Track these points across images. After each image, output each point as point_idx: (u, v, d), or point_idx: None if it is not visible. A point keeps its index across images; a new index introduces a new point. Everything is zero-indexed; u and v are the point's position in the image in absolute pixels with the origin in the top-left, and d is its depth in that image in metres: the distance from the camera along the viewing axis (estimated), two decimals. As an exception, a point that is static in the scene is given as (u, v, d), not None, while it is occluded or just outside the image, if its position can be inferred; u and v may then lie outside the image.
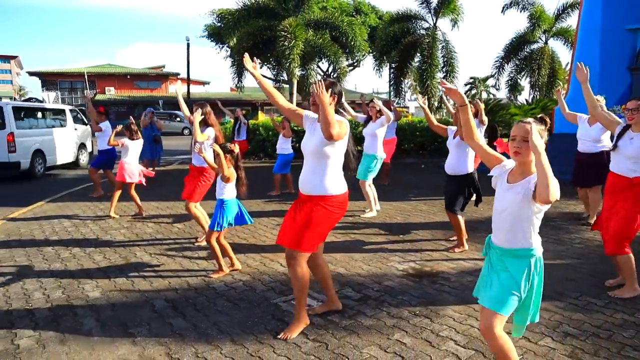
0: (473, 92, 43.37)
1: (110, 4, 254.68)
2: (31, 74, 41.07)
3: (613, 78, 10.66)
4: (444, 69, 16.36)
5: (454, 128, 5.04)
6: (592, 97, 4.01)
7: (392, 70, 17.02)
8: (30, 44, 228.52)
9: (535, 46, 18.52)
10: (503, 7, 18.72)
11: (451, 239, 5.35)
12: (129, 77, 42.14)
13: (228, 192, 4.34)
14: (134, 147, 7.03)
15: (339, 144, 3.14)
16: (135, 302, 3.80)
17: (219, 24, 15.82)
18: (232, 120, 10.62)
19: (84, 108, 41.42)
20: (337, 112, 3.24)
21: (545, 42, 18.72)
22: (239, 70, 15.74)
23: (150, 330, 3.29)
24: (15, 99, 57.71)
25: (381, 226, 6.08)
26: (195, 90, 46.11)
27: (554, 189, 2.02)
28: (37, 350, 3.04)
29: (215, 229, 4.28)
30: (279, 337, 3.12)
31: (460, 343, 3.02)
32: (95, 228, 6.24)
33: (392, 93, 17.03)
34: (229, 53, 16.46)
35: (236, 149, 4.37)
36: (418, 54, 16.29)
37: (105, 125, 8.45)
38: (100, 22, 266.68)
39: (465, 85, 44.95)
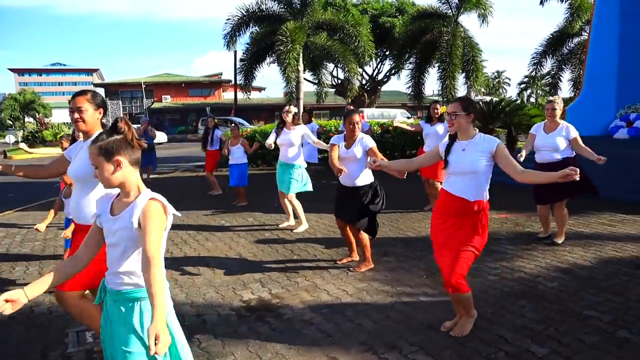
0: (528, 92, 40.22)
1: (185, 15, 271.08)
2: (96, 85, 44.25)
3: (636, 71, 9.09)
4: (466, 69, 15.06)
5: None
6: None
7: (411, 72, 16.02)
8: (116, 55, 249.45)
9: (577, 40, 16.56)
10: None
11: (344, 261, 4.63)
12: (183, 85, 43.93)
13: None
14: None
15: None
16: None
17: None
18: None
19: (142, 116, 43.79)
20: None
21: (589, 35, 16.65)
22: (246, 73, 15.56)
23: None
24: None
25: (285, 244, 5.42)
26: (251, 96, 47.16)
27: None
28: None
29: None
30: None
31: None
32: (17, 239, 6.19)
33: (410, 96, 16.03)
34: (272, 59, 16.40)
35: None
36: (438, 53, 15.16)
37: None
38: (178, 33, 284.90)
39: (519, 85, 41.83)
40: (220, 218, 6.88)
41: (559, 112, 4.97)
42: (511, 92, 59.16)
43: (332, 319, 3.37)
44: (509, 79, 63.47)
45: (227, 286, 4.12)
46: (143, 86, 41.59)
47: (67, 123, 33.23)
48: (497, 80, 62.50)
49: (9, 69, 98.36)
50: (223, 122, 31.24)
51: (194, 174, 13.29)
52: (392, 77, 26.19)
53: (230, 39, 14.92)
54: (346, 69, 14.84)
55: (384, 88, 30.30)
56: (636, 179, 7.43)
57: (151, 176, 12.12)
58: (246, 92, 16.00)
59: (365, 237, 4.33)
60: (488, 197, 2.88)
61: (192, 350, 3.01)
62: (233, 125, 8.19)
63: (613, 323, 3.14)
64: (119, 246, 1.76)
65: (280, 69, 12.96)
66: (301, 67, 14.43)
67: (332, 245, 5.19)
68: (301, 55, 14.12)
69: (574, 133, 4.85)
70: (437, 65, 14.99)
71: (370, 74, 26.44)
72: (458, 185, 2.85)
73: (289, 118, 5.79)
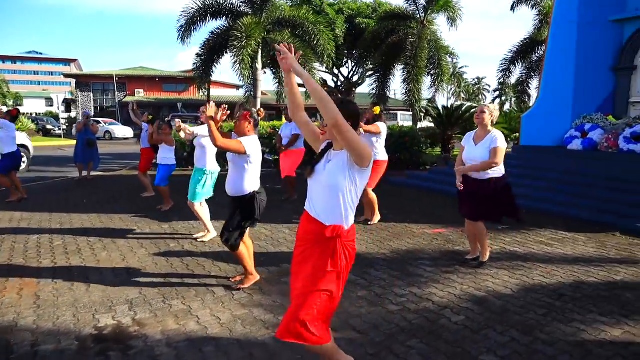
0: (503, 98, 40.35)
1: (171, 7, 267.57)
2: (66, 76, 42.81)
3: (593, 81, 8.80)
4: (431, 72, 14.69)
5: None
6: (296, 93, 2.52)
7: (376, 74, 15.58)
8: (97, 47, 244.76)
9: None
10: (512, 5, 16.76)
11: (237, 278, 4.11)
12: (157, 79, 42.86)
13: None
14: None
15: None
16: None
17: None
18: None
19: (114, 109, 42.27)
20: None
21: (546, 42, 16.52)
22: (203, 69, 14.88)
23: None
24: (66, 99, 61.02)
25: (185, 257, 4.86)
26: (227, 93, 46.15)
27: None
28: None
29: None
30: None
31: None
32: None
33: (374, 98, 15.58)
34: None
35: None
36: (403, 56, 14.74)
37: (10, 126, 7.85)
38: (162, 26, 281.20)
39: (494, 91, 41.88)
40: (134, 223, 6.27)
41: (487, 118, 4.33)
42: (490, 98, 59.63)
43: (184, 356, 2.82)
44: (489, 86, 63.77)
45: (91, 308, 3.55)
46: (115, 79, 40.39)
47: (38, 113, 31.87)
48: (477, 86, 62.80)
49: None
50: (193, 119, 30.74)
51: (141, 172, 12.57)
52: (367, 79, 25.86)
53: (184, 32, 14.24)
54: (306, 68, 14.28)
55: (360, 90, 29.94)
56: (588, 195, 7.06)
57: (92, 173, 11.40)
58: (201, 89, 15.31)
59: (241, 249, 3.86)
60: (352, 222, 2.36)
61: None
62: (162, 123, 7.48)
63: (508, 371, 2.67)
64: None
65: (234, 66, 12.39)
66: (259, 65, 13.86)
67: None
68: (260, 52, 13.52)
69: (496, 143, 4.20)
70: (402, 67, 14.60)
71: (345, 75, 26.15)
72: (316, 202, 2.34)
73: (204, 119, 5.23)
